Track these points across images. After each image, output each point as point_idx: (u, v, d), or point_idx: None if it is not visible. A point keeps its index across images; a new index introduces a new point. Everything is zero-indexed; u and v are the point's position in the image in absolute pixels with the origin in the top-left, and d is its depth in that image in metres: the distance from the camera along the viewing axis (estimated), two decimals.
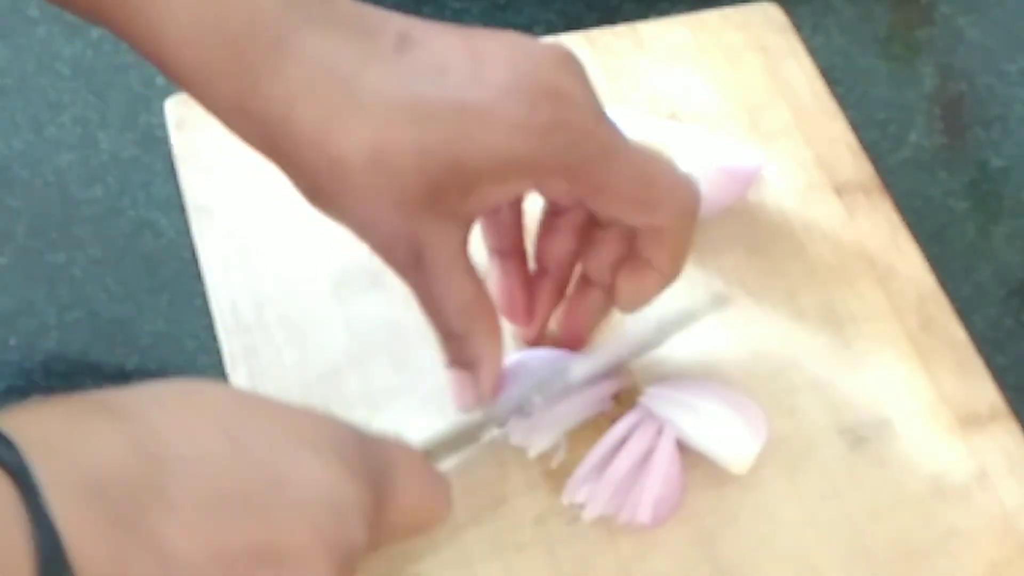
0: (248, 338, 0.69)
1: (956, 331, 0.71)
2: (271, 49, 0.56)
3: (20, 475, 0.45)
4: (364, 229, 0.59)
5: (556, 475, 0.65)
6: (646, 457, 0.64)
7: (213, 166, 0.74)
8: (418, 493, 0.57)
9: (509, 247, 0.66)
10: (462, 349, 0.62)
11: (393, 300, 0.70)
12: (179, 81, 0.58)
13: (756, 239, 0.73)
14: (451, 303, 0.60)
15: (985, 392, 0.69)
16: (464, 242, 0.60)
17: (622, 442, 0.65)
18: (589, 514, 0.64)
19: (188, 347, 0.71)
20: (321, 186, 0.58)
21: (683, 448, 0.65)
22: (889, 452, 0.67)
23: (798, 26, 0.82)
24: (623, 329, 0.69)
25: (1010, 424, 0.68)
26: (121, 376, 0.70)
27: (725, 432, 0.65)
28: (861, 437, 0.67)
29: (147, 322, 0.72)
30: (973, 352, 0.70)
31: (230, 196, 0.74)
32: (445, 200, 0.58)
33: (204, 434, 0.50)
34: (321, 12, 0.57)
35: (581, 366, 0.65)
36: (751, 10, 0.82)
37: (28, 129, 0.78)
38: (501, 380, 0.63)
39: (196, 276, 0.72)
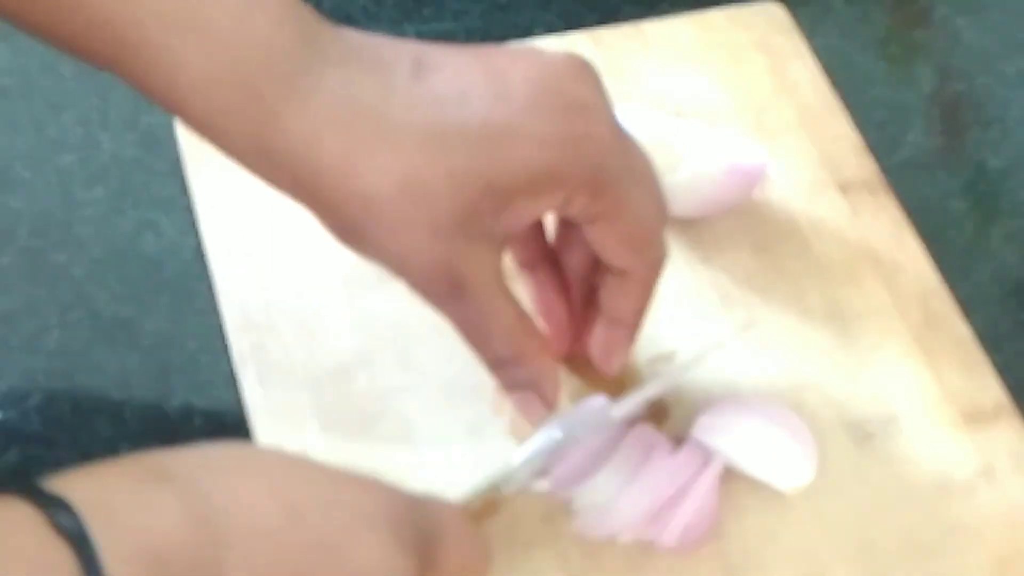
0: (256, 336, 0.69)
1: (960, 328, 0.71)
2: (289, 87, 0.56)
3: (79, 542, 0.45)
4: (400, 263, 0.59)
5: None
6: (686, 484, 0.64)
7: (221, 165, 0.74)
8: (462, 558, 0.56)
9: (538, 257, 0.66)
10: (517, 372, 0.62)
11: (401, 298, 0.70)
12: (200, 128, 0.58)
13: (761, 237, 0.74)
14: (498, 327, 0.60)
15: (990, 388, 0.69)
16: (500, 265, 0.60)
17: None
18: (622, 539, 0.64)
19: (190, 347, 0.71)
20: (352, 222, 0.57)
21: (730, 472, 0.65)
22: (895, 448, 0.67)
23: (797, 27, 0.82)
24: (656, 366, 0.69)
25: (1015, 420, 0.68)
26: (123, 376, 0.70)
27: (781, 458, 0.65)
28: (867, 433, 0.68)
29: (149, 322, 0.72)
30: (977, 348, 0.71)
31: (238, 194, 0.74)
32: (480, 222, 0.57)
33: (261, 506, 0.50)
34: (335, 48, 0.57)
35: (620, 408, 0.64)
36: (756, 10, 0.83)
37: (30, 129, 0.78)
38: (556, 402, 0.63)
39: (198, 276, 0.72)
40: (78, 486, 0.47)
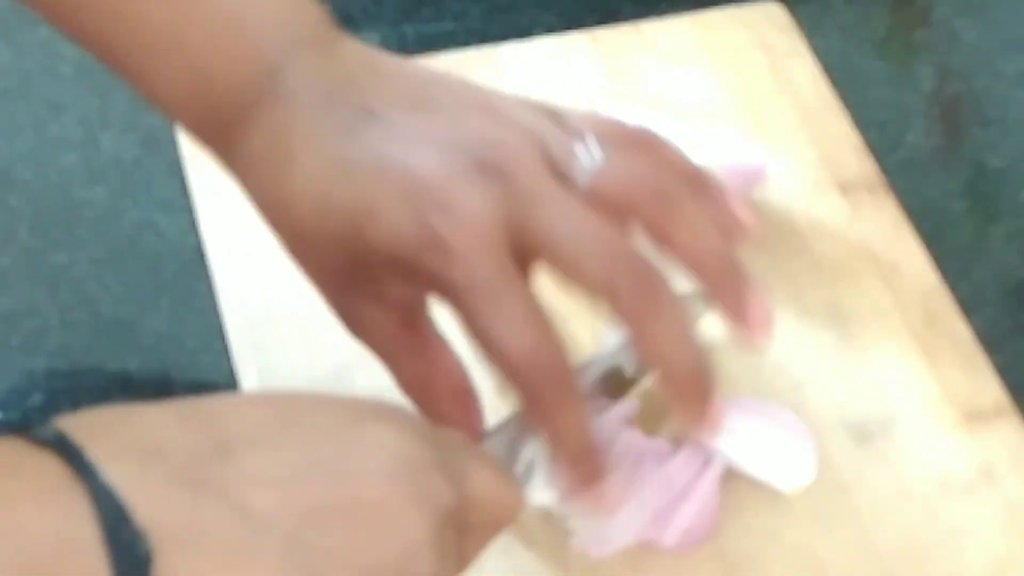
0: (257, 335, 0.69)
1: (960, 327, 0.71)
2: (244, 116, 0.58)
3: (72, 456, 0.45)
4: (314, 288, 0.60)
5: None
6: (686, 485, 0.64)
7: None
8: (493, 482, 0.54)
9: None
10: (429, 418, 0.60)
11: None
12: (174, 122, 0.62)
13: (760, 237, 0.74)
14: (399, 379, 0.60)
15: (989, 388, 0.69)
16: (404, 321, 0.59)
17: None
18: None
19: (190, 347, 0.71)
20: (280, 240, 0.60)
21: (730, 472, 0.65)
22: (894, 448, 0.67)
23: (796, 27, 0.82)
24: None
25: (1015, 420, 0.68)
26: (123, 376, 0.70)
27: (781, 458, 0.65)
28: (867, 433, 0.68)
29: (149, 322, 0.72)
30: (977, 348, 0.71)
31: (238, 194, 0.73)
32: (363, 285, 0.58)
33: (260, 412, 0.50)
34: (301, 79, 0.58)
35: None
36: (755, 9, 0.83)
37: (30, 130, 0.78)
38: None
39: (198, 276, 0.72)
40: (67, 419, 0.48)
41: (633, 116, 0.72)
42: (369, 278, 0.58)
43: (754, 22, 0.82)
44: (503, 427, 0.60)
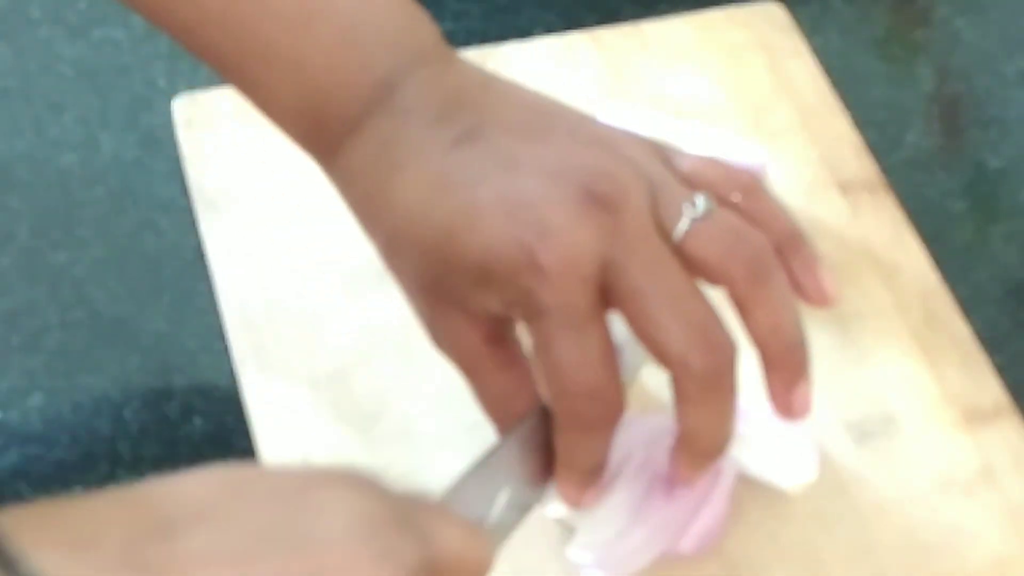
0: (256, 336, 0.69)
1: (960, 327, 0.71)
2: (350, 125, 0.60)
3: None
4: (404, 296, 0.61)
5: None
6: (701, 494, 0.63)
7: (221, 165, 0.75)
8: (461, 539, 0.51)
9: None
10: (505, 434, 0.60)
11: (401, 298, 0.70)
12: (283, 133, 0.63)
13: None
14: (480, 391, 0.60)
15: (989, 388, 0.69)
16: (489, 336, 0.59)
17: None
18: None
19: (190, 347, 0.71)
20: (374, 246, 0.61)
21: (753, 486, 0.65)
22: (895, 448, 0.67)
23: (796, 26, 0.82)
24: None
25: (1015, 420, 0.68)
26: (123, 376, 0.70)
27: (784, 457, 0.65)
28: (867, 433, 0.68)
29: (149, 322, 0.72)
30: (977, 348, 0.71)
31: (238, 194, 0.74)
32: (451, 296, 0.58)
33: (205, 487, 0.46)
34: (405, 99, 0.59)
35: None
36: (755, 9, 0.83)
37: (30, 130, 0.78)
38: None
39: (198, 276, 0.72)
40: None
41: (633, 116, 0.73)
42: (458, 290, 0.58)
43: (754, 22, 0.82)
44: (477, 469, 0.58)
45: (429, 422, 0.67)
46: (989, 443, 0.68)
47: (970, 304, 0.73)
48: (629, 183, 0.57)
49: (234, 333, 0.70)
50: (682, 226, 0.57)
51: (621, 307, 0.57)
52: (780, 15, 0.83)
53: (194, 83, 0.79)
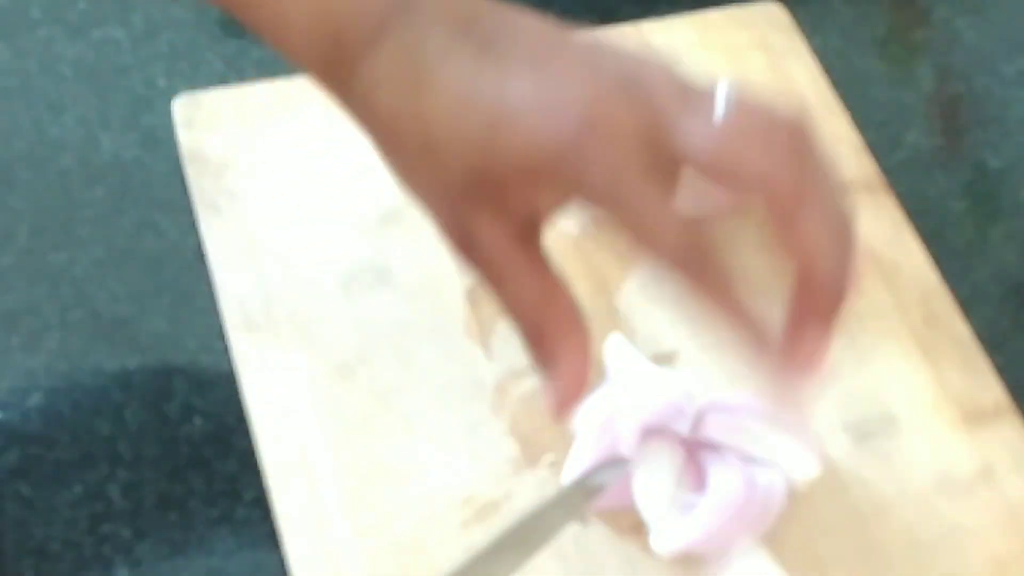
0: (256, 336, 0.69)
1: (960, 327, 0.71)
2: (368, 39, 0.60)
3: None
4: (427, 212, 0.61)
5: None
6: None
7: (221, 165, 0.75)
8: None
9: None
10: (540, 347, 0.59)
11: (401, 298, 0.70)
12: (298, 63, 0.62)
13: (761, 237, 0.74)
14: (519, 289, 0.60)
15: (989, 388, 0.69)
16: (522, 237, 0.59)
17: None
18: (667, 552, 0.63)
19: (190, 347, 0.71)
20: (395, 163, 0.61)
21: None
22: (894, 448, 0.67)
23: (796, 26, 0.82)
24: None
25: (1015, 420, 0.68)
26: (123, 376, 0.70)
27: (788, 453, 0.65)
28: (866, 433, 0.68)
29: (149, 322, 0.72)
30: (977, 348, 0.71)
31: (238, 195, 0.74)
32: (486, 195, 0.58)
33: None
34: (424, 12, 0.60)
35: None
36: (755, 9, 0.83)
37: (30, 130, 0.78)
38: (585, 383, 0.59)
39: (198, 276, 0.72)
40: None
41: None
42: (499, 190, 0.58)
43: (754, 22, 0.82)
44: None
45: (429, 422, 0.67)
46: (989, 443, 0.68)
47: (970, 304, 0.73)
48: (658, 73, 0.58)
49: (234, 333, 0.70)
50: (717, 113, 0.58)
51: (685, 163, 0.57)
52: (780, 15, 0.83)
53: (194, 83, 0.79)
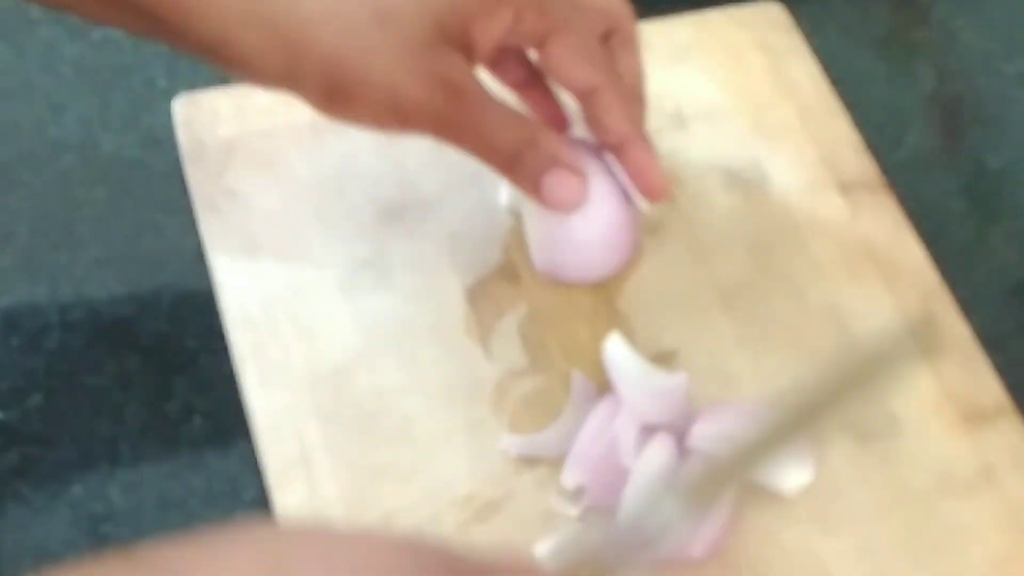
0: (256, 335, 0.69)
1: (960, 328, 0.71)
2: None
3: None
4: (393, 93, 0.62)
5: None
6: None
7: (221, 165, 0.75)
8: None
9: (526, 77, 0.70)
10: (533, 156, 0.65)
11: (401, 298, 0.70)
12: (203, 32, 0.62)
13: (761, 237, 0.74)
14: (502, 118, 0.64)
15: (990, 388, 0.69)
16: (494, 63, 0.67)
17: None
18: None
19: (190, 347, 0.71)
20: (340, 70, 0.62)
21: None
22: (895, 448, 0.67)
23: (796, 26, 0.82)
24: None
25: (1015, 420, 0.68)
26: (123, 376, 0.70)
27: (779, 463, 0.64)
28: (867, 433, 0.68)
29: (149, 322, 0.72)
30: (977, 348, 0.71)
31: (238, 194, 0.74)
32: (448, 39, 0.62)
33: (238, 570, 0.44)
34: None
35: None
36: (755, 9, 0.83)
37: (30, 130, 0.78)
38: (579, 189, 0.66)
39: (198, 276, 0.72)
40: None
41: None
42: (464, 22, 0.63)
43: (754, 22, 0.82)
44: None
45: (429, 422, 0.67)
46: (989, 443, 0.68)
47: (970, 304, 0.73)
48: None
49: (234, 333, 0.70)
50: None
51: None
52: (780, 15, 0.83)
53: (194, 83, 0.79)
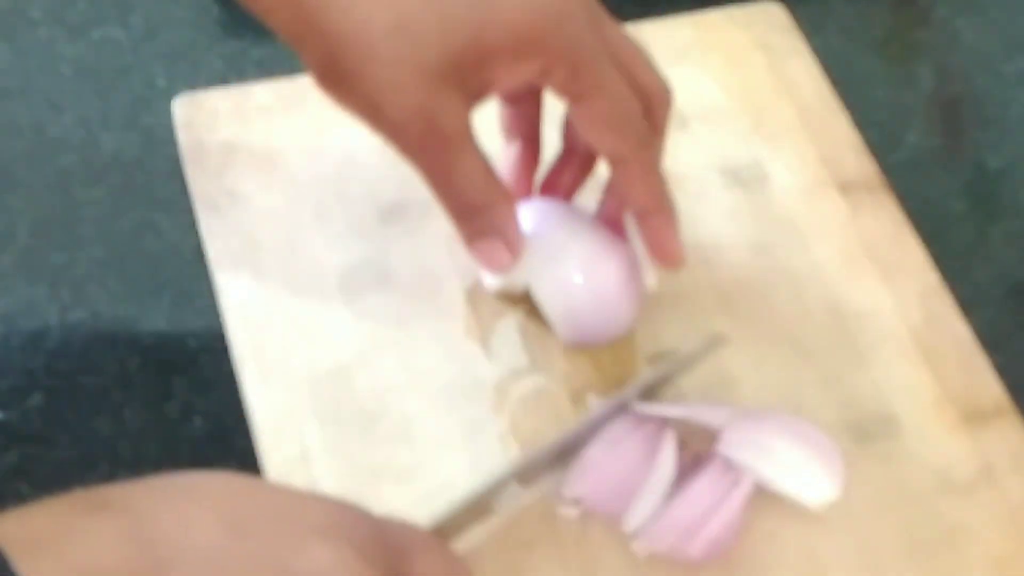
0: (256, 335, 0.69)
1: (960, 327, 0.71)
2: None
3: (3, 569, 0.44)
4: (380, 104, 0.61)
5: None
6: (715, 501, 0.63)
7: (221, 165, 0.75)
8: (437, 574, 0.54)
9: (523, 131, 0.69)
10: (483, 219, 0.64)
11: (401, 298, 0.70)
12: None
13: (761, 237, 0.74)
14: (468, 174, 0.63)
15: (989, 388, 0.69)
16: (471, 120, 0.62)
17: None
18: (643, 550, 0.63)
19: (190, 347, 0.71)
20: (342, 59, 0.61)
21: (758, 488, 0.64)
22: (895, 448, 0.67)
23: (796, 26, 0.82)
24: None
25: (1015, 420, 0.68)
26: (123, 376, 0.70)
27: (808, 476, 0.64)
28: (867, 433, 0.68)
29: (149, 322, 0.72)
30: (977, 348, 0.71)
31: (238, 194, 0.74)
32: (461, 73, 0.60)
33: (202, 525, 0.49)
34: None
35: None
36: (755, 9, 0.83)
37: (30, 130, 0.78)
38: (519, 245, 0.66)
39: (198, 276, 0.72)
40: (5, 524, 0.46)
41: None
42: (476, 65, 0.61)
43: (754, 22, 0.82)
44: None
45: (429, 422, 0.67)
46: (989, 443, 0.68)
47: (970, 304, 0.73)
48: None
49: (234, 333, 0.70)
50: None
51: None
52: (780, 15, 0.83)
53: (194, 83, 0.79)
